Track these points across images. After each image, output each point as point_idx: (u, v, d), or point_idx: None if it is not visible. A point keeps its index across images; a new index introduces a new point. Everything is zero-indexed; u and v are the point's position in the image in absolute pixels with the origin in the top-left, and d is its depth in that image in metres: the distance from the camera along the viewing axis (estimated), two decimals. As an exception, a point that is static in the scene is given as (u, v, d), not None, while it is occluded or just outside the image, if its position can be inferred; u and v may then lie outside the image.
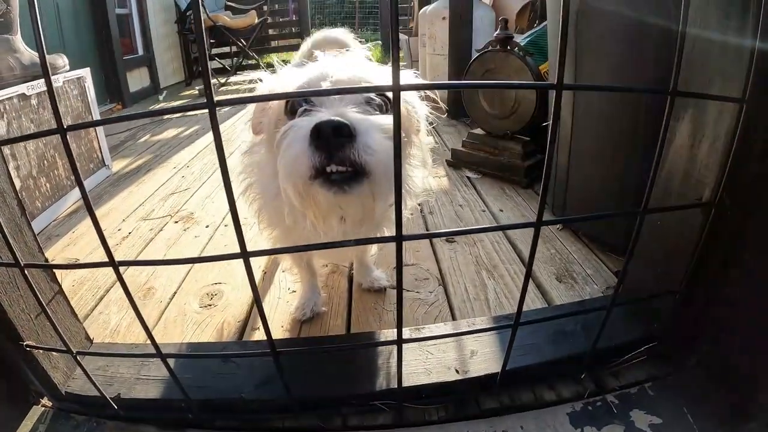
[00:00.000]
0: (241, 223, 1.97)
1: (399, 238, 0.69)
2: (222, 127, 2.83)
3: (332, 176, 0.81)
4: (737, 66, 0.89)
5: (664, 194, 1.08)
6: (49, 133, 0.67)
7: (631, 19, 1.47)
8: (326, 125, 0.75)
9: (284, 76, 1.03)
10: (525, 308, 1.46)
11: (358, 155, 0.78)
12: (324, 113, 0.82)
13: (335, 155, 0.78)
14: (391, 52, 0.59)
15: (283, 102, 0.93)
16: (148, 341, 1.37)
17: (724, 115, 0.93)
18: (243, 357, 1.14)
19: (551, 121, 0.72)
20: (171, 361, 0.93)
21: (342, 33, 1.57)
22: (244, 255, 0.66)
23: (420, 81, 1.00)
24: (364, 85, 0.89)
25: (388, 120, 0.82)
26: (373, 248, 1.60)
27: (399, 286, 0.75)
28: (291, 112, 0.92)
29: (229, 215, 0.59)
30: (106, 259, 0.72)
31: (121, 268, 0.75)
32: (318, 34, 1.60)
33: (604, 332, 1.02)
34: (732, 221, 0.96)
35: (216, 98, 0.57)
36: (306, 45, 1.59)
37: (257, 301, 0.71)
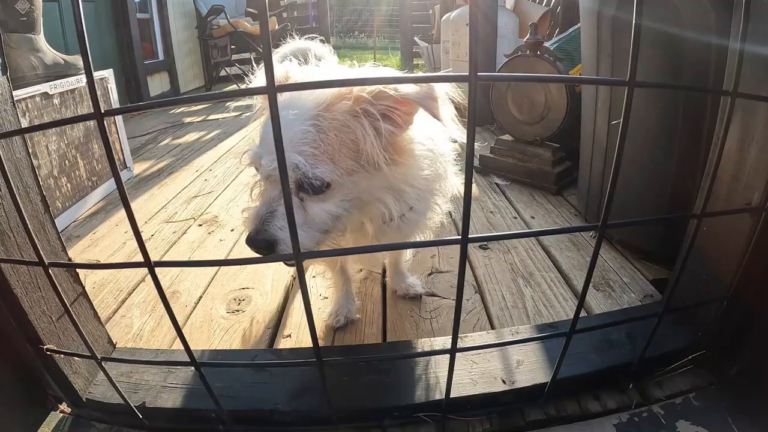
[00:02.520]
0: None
1: (465, 240, 0.62)
2: (244, 131, 2.81)
3: None
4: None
5: (711, 199, 1.02)
6: (86, 118, 0.62)
7: (669, 28, 1.43)
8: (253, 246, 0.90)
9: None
10: (564, 317, 1.41)
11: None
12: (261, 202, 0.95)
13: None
14: (470, 39, 0.52)
15: None
16: (174, 347, 1.34)
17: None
18: (283, 366, 1.08)
19: (622, 119, 0.69)
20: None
21: (313, 45, 1.46)
22: (297, 257, 0.60)
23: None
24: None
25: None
26: (408, 254, 1.54)
27: (459, 292, 0.68)
28: None
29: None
30: (133, 261, 0.66)
31: (142, 272, 0.69)
32: (287, 47, 1.49)
33: (649, 341, 0.98)
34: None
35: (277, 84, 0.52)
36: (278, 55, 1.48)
37: (306, 303, 0.64)
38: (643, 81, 0.67)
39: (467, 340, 1.18)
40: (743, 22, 0.73)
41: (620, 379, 1.08)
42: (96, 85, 2.02)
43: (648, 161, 1.62)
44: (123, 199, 0.62)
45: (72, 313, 0.86)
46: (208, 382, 0.86)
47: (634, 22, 0.62)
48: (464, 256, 0.64)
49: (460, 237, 0.62)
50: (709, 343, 1.10)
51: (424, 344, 1.20)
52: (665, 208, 1.60)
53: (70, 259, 1.13)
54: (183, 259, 1.81)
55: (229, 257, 1.83)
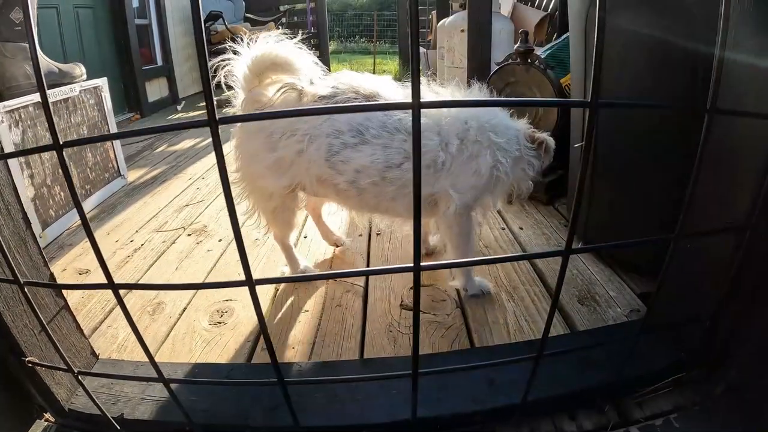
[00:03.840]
0: (250, 243, 1.92)
1: (417, 268, 0.63)
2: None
3: None
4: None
5: (697, 218, 1.02)
6: (46, 149, 0.63)
7: (655, 35, 1.41)
8: None
9: None
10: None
11: None
12: None
13: None
14: (411, 68, 0.54)
15: None
16: (156, 359, 1.35)
17: (759, 135, 0.88)
18: (249, 385, 1.09)
19: (584, 141, 0.67)
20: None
21: (290, 51, 1.31)
22: (249, 283, 0.61)
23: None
24: None
25: None
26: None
27: (416, 317, 0.70)
28: None
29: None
30: (118, 272, 0.68)
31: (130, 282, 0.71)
32: (259, 52, 1.30)
33: (630, 360, 0.97)
34: (765, 245, 0.90)
35: (218, 116, 0.53)
36: (245, 68, 1.30)
37: (263, 330, 0.66)
38: (608, 101, 0.64)
39: (441, 359, 1.19)
40: (722, 33, 0.70)
41: (598, 398, 1.07)
42: (89, 94, 2.06)
43: (637, 174, 1.61)
44: (85, 225, 0.64)
45: (50, 327, 0.88)
46: (184, 396, 0.88)
47: (596, 46, 0.58)
48: (418, 285, 0.65)
49: (412, 265, 0.63)
50: (694, 363, 1.09)
51: (396, 362, 1.22)
52: (656, 220, 1.57)
53: (52, 274, 1.15)
54: (170, 269, 1.83)
55: (215, 268, 1.85)
